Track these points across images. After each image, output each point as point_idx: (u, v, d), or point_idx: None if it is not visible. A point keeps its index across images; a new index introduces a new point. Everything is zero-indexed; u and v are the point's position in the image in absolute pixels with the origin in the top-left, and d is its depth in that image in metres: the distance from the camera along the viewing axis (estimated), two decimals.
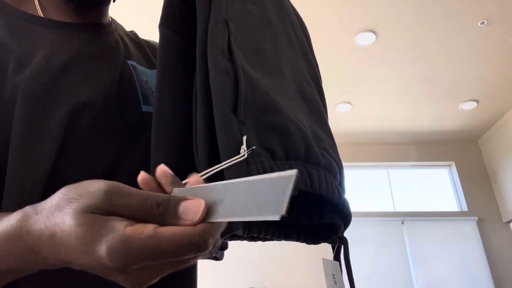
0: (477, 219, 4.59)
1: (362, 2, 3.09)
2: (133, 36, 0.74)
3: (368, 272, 4.33)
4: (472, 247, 4.45)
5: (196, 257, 0.33)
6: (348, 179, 4.96)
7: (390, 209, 4.77)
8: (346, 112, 4.44)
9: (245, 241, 1.24)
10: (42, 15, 0.59)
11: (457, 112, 4.47)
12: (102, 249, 0.29)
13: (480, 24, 3.27)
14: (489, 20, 3.24)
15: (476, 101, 4.28)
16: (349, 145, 5.06)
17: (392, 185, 4.94)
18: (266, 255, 4.24)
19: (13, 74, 0.51)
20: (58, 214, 0.32)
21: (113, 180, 0.51)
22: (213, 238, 0.31)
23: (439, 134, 4.91)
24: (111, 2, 0.64)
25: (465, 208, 4.69)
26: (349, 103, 4.29)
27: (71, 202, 0.32)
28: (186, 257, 0.31)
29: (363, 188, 4.93)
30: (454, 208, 4.81)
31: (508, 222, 4.54)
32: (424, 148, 5.05)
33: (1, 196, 0.47)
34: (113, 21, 0.69)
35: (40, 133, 0.49)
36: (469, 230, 4.54)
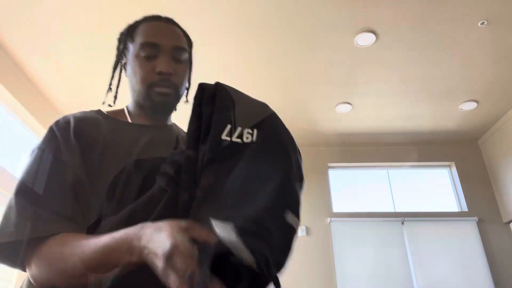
0: (477, 220, 4.59)
1: (362, 2, 3.08)
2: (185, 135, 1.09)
3: (368, 272, 4.32)
4: (472, 247, 4.45)
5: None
6: (348, 179, 4.96)
7: (390, 209, 4.77)
8: (346, 112, 4.44)
9: None
10: (130, 121, 0.99)
11: (457, 112, 4.47)
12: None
13: (480, 24, 3.27)
14: (489, 20, 3.24)
15: (476, 101, 4.28)
16: (349, 145, 5.06)
17: (392, 185, 4.94)
18: None
19: (111, 158, 0.86)
20: (158, 234, 0.60)
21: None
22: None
23: (439, 135, 4.91)
24: (173, 112, 1.04)
25: (465, 209, 4.69)
26: (349, 103, 4.29)
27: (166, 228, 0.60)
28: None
29: (363, 188, 4.93)
30: (454, 208, 4.81)
31: (508, 223, 4.53)
32: (424, 148, 5.05)
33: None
34: (175, 125, 1.08)
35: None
36: (469, 230, 4.54)
